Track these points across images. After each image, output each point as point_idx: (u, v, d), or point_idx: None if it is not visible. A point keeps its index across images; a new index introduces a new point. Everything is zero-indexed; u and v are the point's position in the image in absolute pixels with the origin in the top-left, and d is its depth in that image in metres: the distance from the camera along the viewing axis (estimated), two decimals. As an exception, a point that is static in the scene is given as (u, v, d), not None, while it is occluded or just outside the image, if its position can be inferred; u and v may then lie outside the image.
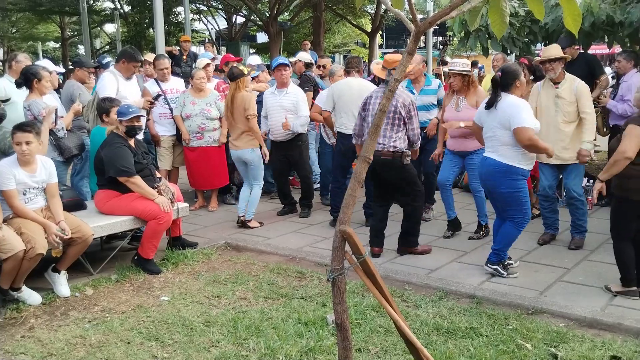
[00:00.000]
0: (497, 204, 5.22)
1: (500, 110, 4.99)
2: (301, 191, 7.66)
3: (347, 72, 7.10)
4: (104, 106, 5.94)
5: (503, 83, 5.03)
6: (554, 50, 5.97)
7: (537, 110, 5.99)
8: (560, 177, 6.33)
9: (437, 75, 10.31)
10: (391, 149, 5.58)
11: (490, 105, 5.07)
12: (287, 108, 7.29)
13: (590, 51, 9.32)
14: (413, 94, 6.86)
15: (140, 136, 6.06)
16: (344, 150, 6.80)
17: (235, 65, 7.39)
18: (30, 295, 4.76)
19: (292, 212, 7.65)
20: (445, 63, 11.19)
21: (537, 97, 6.06)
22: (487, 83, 8.51)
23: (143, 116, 5.75)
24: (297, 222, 7.24)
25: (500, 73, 5.03)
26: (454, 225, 6.56)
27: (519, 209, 5.08)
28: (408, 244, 5.91)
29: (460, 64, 6.24)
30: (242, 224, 7.01)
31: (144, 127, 5.95)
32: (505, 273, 5.19)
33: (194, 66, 10.05)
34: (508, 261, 5.34)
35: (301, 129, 7.39)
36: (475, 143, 6.01)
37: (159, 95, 7.46)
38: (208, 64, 8.60)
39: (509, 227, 5.15)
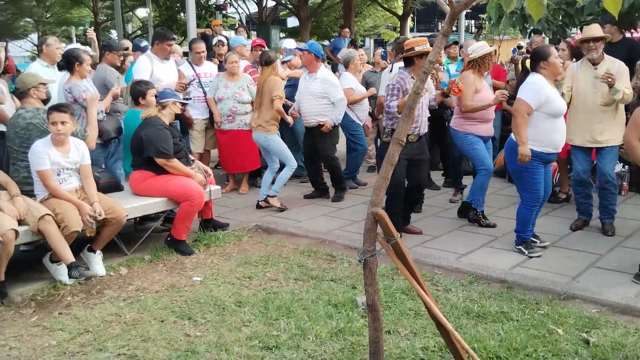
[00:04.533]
0: (515, 183, 5.46)
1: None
2: (330, 175, 7.65)
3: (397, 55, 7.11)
4: (139, 89, 6.00)
5: (530, 64, 5.15)
6: (595, 29, 5.85)
7: (573, 92, 5.90)
8: (594, 163, 6.25)
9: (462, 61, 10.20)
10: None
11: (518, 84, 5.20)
12: (315, 94, 7.23)
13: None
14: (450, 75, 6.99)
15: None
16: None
17: (268, 49, 7.43)
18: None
19: (321, 196, 7.62)
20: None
21: (572, 77, 5.96)
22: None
23: (186, 103, 5.84)
24: (327, 206, 7.26)
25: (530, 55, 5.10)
26: (466, 209, 6.45)
27: (528, 189, 5.20)
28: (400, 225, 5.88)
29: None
30: (260, 207, 7.06)
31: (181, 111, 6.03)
32: (526, 252, 5.29)
33: (225, 50, 10.05)
34: (534, 240, 5.47)
35: (340, 117, 7.35)
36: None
37: (192, 81, 7.51)
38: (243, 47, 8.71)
39: (521, 208, 5.30)
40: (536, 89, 4.97)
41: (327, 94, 7.24)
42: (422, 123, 5.85)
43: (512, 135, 5.20)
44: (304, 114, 7.38)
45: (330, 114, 7.24)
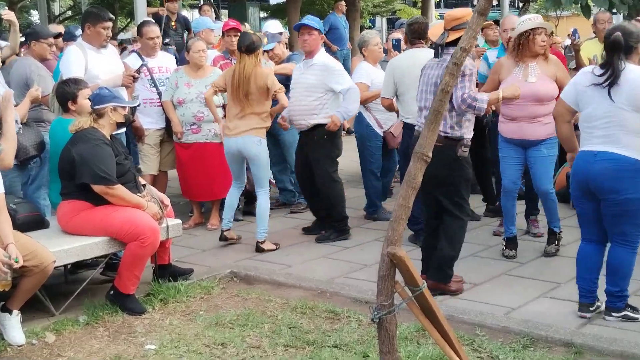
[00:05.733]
0: (610, 218, 5.06)
1: (628, 84, 4.88)
2: (325, 206, 7.53)
3: (412, 42, 7.07)
4: (67, 90, 5.96)
5: (625, 46, 4.91)
6: None
7: None
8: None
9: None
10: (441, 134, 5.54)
11: (610, 77, 4.90)
12: (311, 85, 7.24)
13: None
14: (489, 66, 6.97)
15: (120, 130, 6.18)
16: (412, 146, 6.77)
17: (252, 32, 7.43)
18: None
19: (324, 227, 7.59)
20: None
21: None
22: (588, 51, 8.40)
23: (134, 106, 5.87)
24: (328, 244, 7.24)
25: (619, 33, 4.91)
26: (514, 243, 6.67)
27: (637, 222, 5.01)
28: (439, 277, 5.78)
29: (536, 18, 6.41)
30: (226, 239, 7.12)
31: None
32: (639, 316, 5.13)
33: (186, 36, 10.11)
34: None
35: (353, 111, 7.45)
36: (548, 129, 6.08)
37: (142, 66, 7.52)
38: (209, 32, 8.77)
39: (624, 252, 5.06)
40: None
41: (328, 84, 7.22)
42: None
43: (609, 149, 4.94)
44: (294, 115, 7.37)
45: (337, 108, 7.24)
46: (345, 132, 12.40)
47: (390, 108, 7.37)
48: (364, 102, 7.86)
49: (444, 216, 5.82)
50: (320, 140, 7.26)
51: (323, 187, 7.36)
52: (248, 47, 6.89)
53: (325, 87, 7.22)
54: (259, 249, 7.04)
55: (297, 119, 7.37)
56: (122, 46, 9.14)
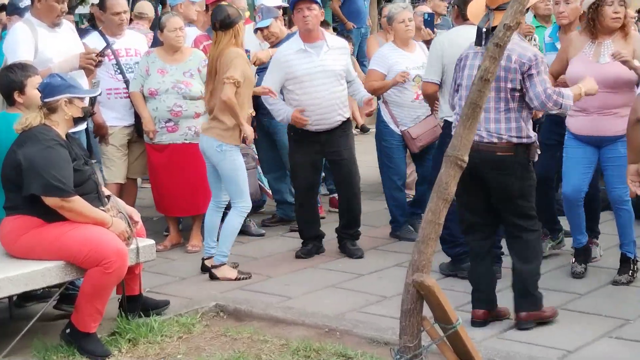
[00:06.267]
0: None
1: None
2: (344, 216, 7.73)
3: (464, 18, 6.95)
4: (12, 79, 5.92)
5: None
6: None
7: None
8: None
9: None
10: (504, 139, 5.67)
11: None
12: (338, 72, 7.48)
13: None
14: (556, 49, 7.07)
15: (79, 127, 6.19)
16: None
17: (226, 4, 7.41)
18: None
19: (319, 252, 7.70)
20: None
21: None
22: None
23: (94, 96, 5.93)
24: (336, 270, 7.22)
25: None
26: (585, 254, 6.74)
27: None
28: (529, 304, 5.81)
29: None
30: (212, 275, 7.09)
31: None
32: None
33: (160, 10, 10.10)
34: None
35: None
36: (623, 123, 6.04)
37: (107, 47, 7.49)
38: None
39: None
40: None
41: (350, 70, 7.60)
42: None
43: None
44: (324, 111, 7.53)
45: (359, 93, 7.65)
46: (359, 129, 12.38)
47: (432, 98, 7.40)
48: (375, 93, 8.02)
49: (513, 233, 5.92)
50: (350, 136, 7.68)
51: (355, 187, 7.77)
52: (222, 22, 6.91)
53: (348, 73, 7.56)
54: (211, 275, 7.04)
55: (329, 116, 7.53)
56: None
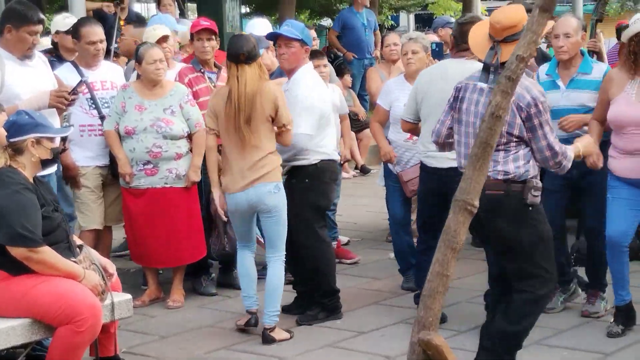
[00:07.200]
0: None
1: None
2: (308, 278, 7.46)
3: (459, 49, 6.86)
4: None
5: None
6: None
7: None
8: None
9: (593, 54, 10.22)
10: (500, 177, 5.47)
11: None
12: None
13: None
14: (557, 87, 6.98)
15: (48, 170, 6.11)
16: (437, 188, 6.77)
17: (242, 33, 7.44)
18: None
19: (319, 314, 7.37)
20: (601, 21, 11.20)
21: None
22: None
23: (63, 135, 6.03)
24: (334, 328, 7.10)
25: None
26: (627, 316, 6.55)
27: None
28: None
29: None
30: (249, 326, 6.87)
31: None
32: None
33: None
34: None
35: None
36: None
37: (80, 83, 7.22)
38: (166, 37, 8.54)
39: None
40: None
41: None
42: None
43: None
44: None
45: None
46: (358, 170, 12.45)
47: (414, 134, 7.40)
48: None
49: (519, 291, 5.68)
50: (306, 182, 7.26)
51: (306, 249, 7.28)
52: (250, 54, 6.59)
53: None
54: (268, 339, 6.71)
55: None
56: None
